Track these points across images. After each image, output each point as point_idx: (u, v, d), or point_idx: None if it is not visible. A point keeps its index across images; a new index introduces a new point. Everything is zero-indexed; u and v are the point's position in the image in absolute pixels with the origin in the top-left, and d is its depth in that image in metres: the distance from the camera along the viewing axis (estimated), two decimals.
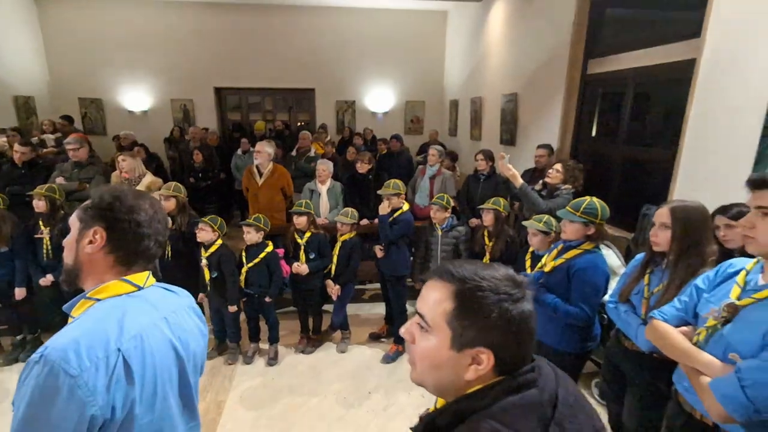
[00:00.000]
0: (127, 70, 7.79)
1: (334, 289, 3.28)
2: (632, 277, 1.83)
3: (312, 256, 3.23)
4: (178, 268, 3.12)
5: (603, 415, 2.62)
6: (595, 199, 2.10)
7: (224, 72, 8.07)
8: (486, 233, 3.01)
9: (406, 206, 3.33)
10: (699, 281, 1.45)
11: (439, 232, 3.21)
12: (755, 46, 2.23)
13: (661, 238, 1.71)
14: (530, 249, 2.57)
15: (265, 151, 3.96)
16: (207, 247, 3.02)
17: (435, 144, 5.97)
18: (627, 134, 3.62)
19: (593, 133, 4.09)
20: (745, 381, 1.10)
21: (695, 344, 1.32)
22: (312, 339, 3.47)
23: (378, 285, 4.05)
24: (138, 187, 3.61)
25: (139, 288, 0.97)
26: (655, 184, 3.22)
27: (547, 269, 2.18)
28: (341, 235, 3.31)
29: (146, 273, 1.01)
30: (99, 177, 3.76)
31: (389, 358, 3.30)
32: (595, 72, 3.94)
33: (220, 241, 3.05)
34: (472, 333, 0.68)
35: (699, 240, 1.65)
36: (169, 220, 2.98)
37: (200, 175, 5.45)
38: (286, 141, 7.09)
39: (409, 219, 3.30)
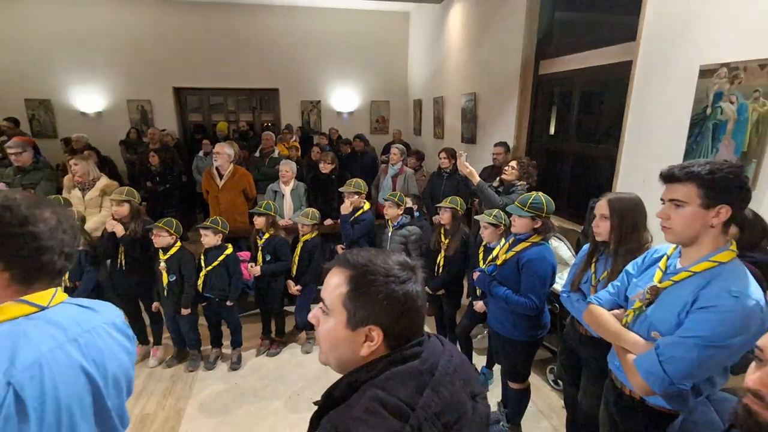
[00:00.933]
0: (78, 69, 7.40)
1: (294, 289, 3.27)
2: (581, 267, 1.94)
3: (268, 258, 3.21)
4: (133, 277, 3.02)
5: (558, 399, 2.76)
6: (541, 194, 2.20)
7: (184, 71, 7.80)
8: (442, 231, 3.08)
9: (366, 205, 3.36)
10: (629, 267, 1.56)
11: (390, 230, 3.24)
12: (681, 48, 2.40)
13: (602, 228, 1.83)
14: (483, 243, 2.66)
15: (224, 153, 3.89)
16: (166, 251, 2.94)
17: (398, 143, 6.04)
18: (576, 132, 3.80)
19: (550, 131, 4.26)
20: (662, 356, 1.20)
21: (625, 325, 1.41)
22: (275, 341, 3.45)
23: None
24: (92, 191, 3.47)
25: (42, 308, 0.86)
26: (603, 178, 3.39)
27: (498, 262, 2.27)
28: (303, 236, 3.31)
29: (51, 290, 0.89)
30: (45, 183, 3.57)
31: None
32: (546, 72, 4.10)
33: (179, 244, 2.98)
34: (364, 313, 0.76)
35: (635, 228, 1.77)
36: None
37: (157, 178, 5.25)
38: (250, 142, 6.98)
39: (370, 218, 3.34)
